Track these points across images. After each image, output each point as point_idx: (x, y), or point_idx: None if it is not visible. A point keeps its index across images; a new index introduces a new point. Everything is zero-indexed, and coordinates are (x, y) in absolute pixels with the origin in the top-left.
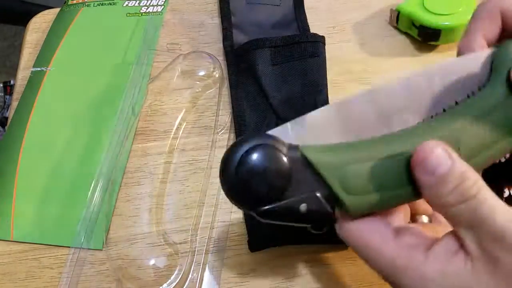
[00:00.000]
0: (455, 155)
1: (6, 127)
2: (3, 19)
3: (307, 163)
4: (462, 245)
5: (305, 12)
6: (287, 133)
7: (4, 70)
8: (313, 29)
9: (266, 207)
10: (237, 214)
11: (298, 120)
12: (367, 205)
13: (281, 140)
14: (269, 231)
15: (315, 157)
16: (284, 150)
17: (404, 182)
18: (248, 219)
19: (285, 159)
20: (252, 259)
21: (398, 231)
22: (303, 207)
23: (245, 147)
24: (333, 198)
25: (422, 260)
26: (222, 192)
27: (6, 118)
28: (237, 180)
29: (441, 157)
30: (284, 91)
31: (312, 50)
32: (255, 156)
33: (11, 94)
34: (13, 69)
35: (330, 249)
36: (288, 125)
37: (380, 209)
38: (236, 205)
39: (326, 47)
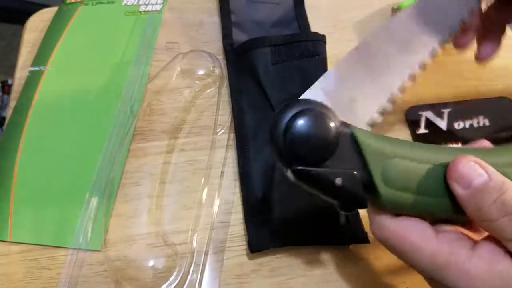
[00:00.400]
0: (490, 168)
1: (3, 127)
2: (1, 18)
3: (355, 143)
4: (507, 251)
5: (306, 10)
6: (317, 92)
7: (2, 70)
8: (313, 28)
9: (304, 167)
10: (237, 214)
11: (325, 74)
12: (401, 203)
13: (336, 113)
14: (270, 232)
15: (364, 139)
16: (337, 122)
17: (442, 193)
18: (248, 219)
19: (335, 130)
20: (252, 260)
21: (438, 230)
22: (338, 180)
23: (302, 106)
24: (369, 184)
25: (468, 256)
26: (222, 192)
27: (4, 118)
28: (285, 134)
29: (475, 169)
30: (284, 90)
31: (313, 49)
32: (309, 117)
33: (9, 93)
34: (11, 68)
35: (330, 250)
36: (317, 83)
37: (414, 212)
38: (275, 157)
39: (327, 46)
